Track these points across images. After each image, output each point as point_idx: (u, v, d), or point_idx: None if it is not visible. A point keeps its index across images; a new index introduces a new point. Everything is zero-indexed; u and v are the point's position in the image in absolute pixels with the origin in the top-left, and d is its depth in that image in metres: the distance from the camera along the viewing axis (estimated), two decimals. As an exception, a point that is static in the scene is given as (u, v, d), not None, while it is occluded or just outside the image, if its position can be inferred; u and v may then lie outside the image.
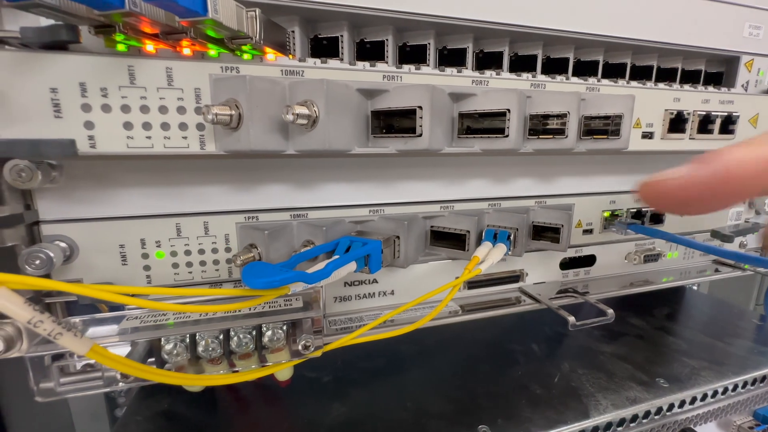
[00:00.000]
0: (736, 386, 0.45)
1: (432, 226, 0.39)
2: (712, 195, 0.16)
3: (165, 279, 0.33)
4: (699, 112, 0.41)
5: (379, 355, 0.49)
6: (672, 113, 0.40)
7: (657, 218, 0.49)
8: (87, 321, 0.30)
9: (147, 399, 0.42)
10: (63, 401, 0.44)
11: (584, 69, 0.43)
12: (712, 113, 0.41)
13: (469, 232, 0.38)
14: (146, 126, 0.26)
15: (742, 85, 0.48)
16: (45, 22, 0.25)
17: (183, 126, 0.26)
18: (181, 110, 0.26)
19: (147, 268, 0.32)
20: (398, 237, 0.36)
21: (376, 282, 0.40)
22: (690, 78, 0.48)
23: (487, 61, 0.40)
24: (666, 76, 0.47)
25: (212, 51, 0.29)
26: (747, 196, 0.16)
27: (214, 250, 0.33)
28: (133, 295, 0.19)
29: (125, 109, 0.25)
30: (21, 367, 0.40)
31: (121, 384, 0.26)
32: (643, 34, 0.42)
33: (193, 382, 0.26)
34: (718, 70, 0.49)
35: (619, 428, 0.39)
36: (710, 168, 0.15)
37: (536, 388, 0.43)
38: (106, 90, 0.24)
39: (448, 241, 0.39)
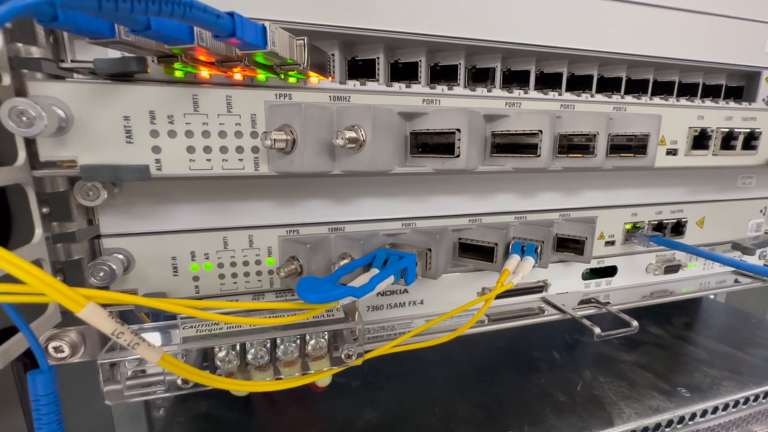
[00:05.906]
0: (757, 396, 0.46)
1: (460, 239, 0.41)
2: None
3: (212, 289, 0.35)
4: (722, 129, 0.42)
5: (404, 361, 0.51)
6: (696, 130, 0.41)
7: (678, 230, 0.50)
8: (139, 330, 0.32)
9: (186, 402, 0.44)
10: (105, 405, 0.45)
11: (607, 85, 0.45)
12: (735, 130, 0.42)
13: (497, 244, 0.39)
14: (207, 149, 0.28)
15: (763, 99, 0.49)
16: (112, 53, 0.27)
17: (240, 149, 0.28)
18: (238, 134, 0.28)
19: (196, 278, 0.34)
20: (430, 249, 0.37)
21: (407, 292, 0.41)
22: (711, 92, 0.49)
23: (514, 79, 0.42)
24: (687, 90, 0.48)
25: (261, 75, 0.31)
26: None
27: (258, 262, 0.35)
28: (210, 310, 0.21)
29: (189, 134, 0.27)
30: (71, 371, 0.43)
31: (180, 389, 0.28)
32: (666, 51, 0.43)
33: (247, 388, 0.28)
34: (739, 85, 0.50)
35: (643, 436, 0.41)
36: None
37: (559, 395, 0.44)
38: (173, 117, 0.26)
39: (476, 252, 0.41)
